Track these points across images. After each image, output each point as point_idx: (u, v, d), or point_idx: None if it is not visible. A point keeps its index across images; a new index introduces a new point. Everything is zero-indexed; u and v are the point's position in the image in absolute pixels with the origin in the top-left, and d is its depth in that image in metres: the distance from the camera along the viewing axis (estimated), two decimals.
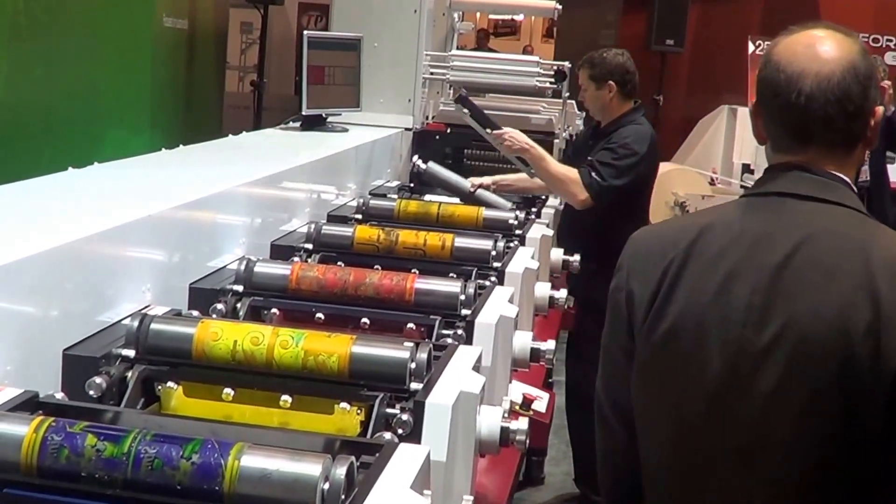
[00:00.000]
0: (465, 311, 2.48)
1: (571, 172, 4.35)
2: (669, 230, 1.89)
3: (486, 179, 4.48)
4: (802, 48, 1.75)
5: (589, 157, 4.38)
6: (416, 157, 4.90)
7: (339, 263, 2.92)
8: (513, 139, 4.32)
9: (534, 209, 4.44)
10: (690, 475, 1.76)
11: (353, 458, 1.48)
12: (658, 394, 1.80)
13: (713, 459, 1.71)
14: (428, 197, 4.51)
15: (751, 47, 10.24)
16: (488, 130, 4.38)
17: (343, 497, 1.43)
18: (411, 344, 1.98)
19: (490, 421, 2.06)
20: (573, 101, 5.74)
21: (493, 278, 2.92)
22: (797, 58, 1.74)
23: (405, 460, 1.58)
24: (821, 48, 1.74)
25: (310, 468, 1.43)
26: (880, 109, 1.76)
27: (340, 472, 1.43)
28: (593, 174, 4.26)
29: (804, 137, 1.75)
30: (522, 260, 3.13)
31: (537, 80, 5.31)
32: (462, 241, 3.14)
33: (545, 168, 4.32)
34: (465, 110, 4.39)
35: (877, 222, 1.77)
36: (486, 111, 4.53)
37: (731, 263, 1.72)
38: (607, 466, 2.00)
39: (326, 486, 1.42)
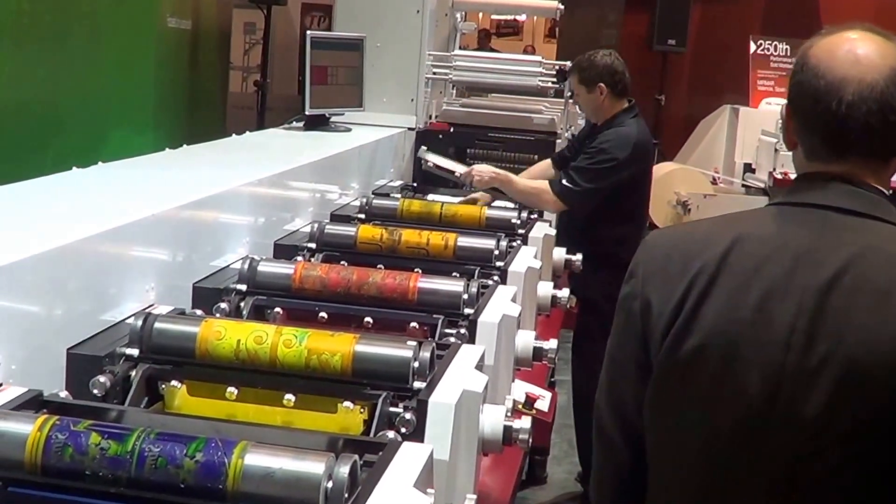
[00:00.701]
0: (467, 311, 2.48)
1: (540, 184, 4.47)
2: (692, 237, 1.75)
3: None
4: (843, 53, 1.65)
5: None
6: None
7: (342, 263, 2.93)
8: (480, 174, 4.46)
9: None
10: (717, 503, 1.66)
11: (356, 457, 1.48)
12: (680, 416, 1.68)
13: (746, 488, 1.61)
14: (431, 196, 4.52)
15: (752, 47, 10.25)
16: (457, 174, 4.55)
17: (346, 495, 1.43)
18: (414, 343, 1.98)
19: (493, 420, 2.06)
20: None
21: (495, 277, 2.93)
22: (837, 63, 1.64)
23: (408, 459, 1.58)
24: (861, 53, 1.64)
25: (313, 467, 1.43)
26: None
27: (344, 470, 1.44)
28: (564, 181, 4.34)
29: (843, 147, 1.65)
30: (525, 259, 3.13)
31: (539, 80, 5.33)
32: (465, 241, 3.14)
33: (514, 189, 4.42)
34: (430, 164, 4.63)
35: None
36: (446, 158, 4.76)
37: (770, 280, 1.60)
38: (606, 485, 1.88)
39: (330, 484, 1.42)
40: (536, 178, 4.66)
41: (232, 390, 1.96)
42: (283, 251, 3.08)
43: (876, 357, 1.51)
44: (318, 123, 4.67)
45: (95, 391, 1.91)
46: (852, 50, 1.65)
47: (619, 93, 4.51)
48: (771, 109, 9.10)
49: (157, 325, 2.04)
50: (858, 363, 1.52)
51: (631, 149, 4.38)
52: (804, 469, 1.57)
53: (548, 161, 4.93)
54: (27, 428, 1.51)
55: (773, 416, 1.58)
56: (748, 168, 9.13)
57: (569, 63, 5.20)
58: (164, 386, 1.99)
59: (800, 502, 1.58)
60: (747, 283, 1.62)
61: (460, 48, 6.08)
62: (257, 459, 1.45)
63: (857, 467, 1.55)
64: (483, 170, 4.48)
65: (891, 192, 1.70)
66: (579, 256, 3.89)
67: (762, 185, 8.61)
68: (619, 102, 4.52)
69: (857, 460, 1.54)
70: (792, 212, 1.69)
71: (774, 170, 8.97)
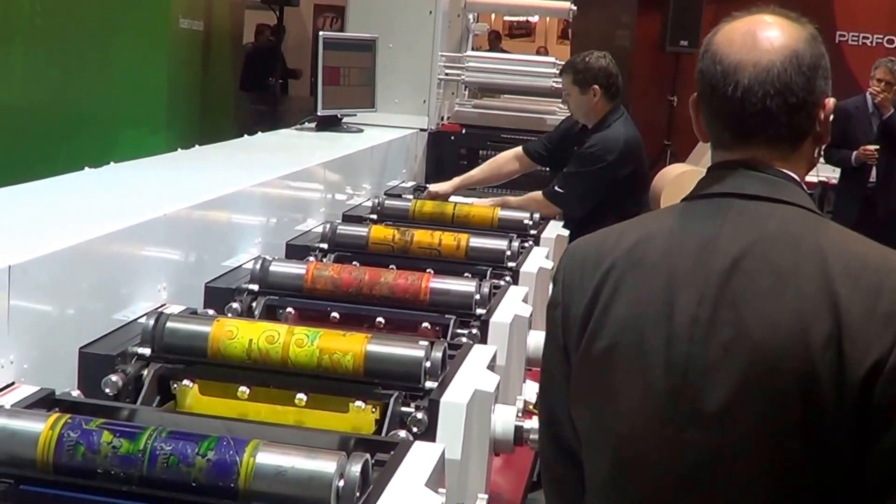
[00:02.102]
0: (479, 311, 2.48)
1: (532, 195, 4.45)
2: (605, 238, 1.70)
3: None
4: (741, 36, 1.60)
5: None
6: None
7: (354, 263, 2.92)
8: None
9: None
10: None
11: (367, 456, 1.48)
12: (598, 418, 1.63)
13: (664, 488, 1.56)
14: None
15: None
16: None
17: (358, 494, 1.43)
18: (426, 343, 1.98)
19: (504, 419, 2.06)
20: None
21: (507, 278, 2.93)
22: (734, 48, 1.59)
23: (420, 458, 1.58)
24: (761, 36, 1.59)
25: (325, 465, 1.43)
26: (830, 101, 1.61)
27: (355, 469, 1.44)
28: (556, 186, 4.33)
29: (745, 133, 1.62)
30: (537, 260, 3.13)
31: (552, 81, 5.31)
32: (477, 241, 3.14)
33: (512, 207, 4.34)
34: None
35: (831, 222, 1.61)
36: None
37: (674, 273, 1.56)
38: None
39: (341, 483, 1.42)
40: (501, 167, 4.71)
41: (244, 390, 1.96)
42: (295, 251, 3.08)
43: (778, 341, 1.47)
44: (330, 124, 4.67)
45: (107, 390, 1.91)
46: (751, 32, 1.60)
47: (612, 95, 4.48)
48: None
49: (169, 324, 2.05)
50: (761, 349, 1.48)
51: (620, 150, 4.34)
52: (712, 463, 1.52)
53: (512, 152, 4.84)
54: (39, 426, 1.51)
55: (682, 413, 1.53)
56: None
57: None
58: (175, 385, 2.00)
59: (709, 498, 1.53)
60: (653, 278, 1.58)
61: (473, 49, 6.07)
62: (269, 458, 1.45)
63: (767, 459, 1.49)
64: (481, 202, 4.53)
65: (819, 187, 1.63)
66: None
67: None
68: (609, 105, 4.49)
69: (767, 451, 1.49)
70: (699, 204, 1.65)
71: None
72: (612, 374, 1.59)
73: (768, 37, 1.59)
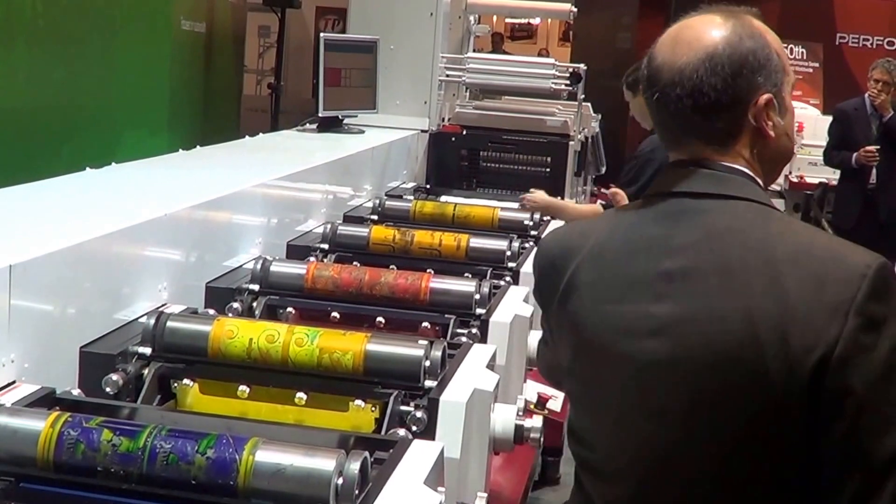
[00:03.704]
0: (479, 311, 2.49)
1: (593, 207, 4.48)
2: (571, 235, 1.75)
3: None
4: (669, 39, 1.63)
5: None
6: None
7: (354, 263, 2.93)
8: (532, 202, 4.42)
9: None
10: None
11: (366, 454, 1.49)
12: (572, 418, 1.69)
13: (624, 485, 1.58)
14: (444, 198, 4.52)
15: None
16: None
17: (357, 492, 1.43)
18: (426, 342, 1.99)
19: (504, 418, 2.07)
20: (589, 104, 5.74)
21: (507, 278, 2.93)
22: (662, 50, 1.62)
23: (419, 456, 1.59)
24: (683, 36, 1.61)
25: (324, 463, 1.44)
26: (764, 97, 1.58)
27: (354, 467, 1.44)
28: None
29: (675, 134, 1.65)
30: None
31: (553, 83, 5.31)
32: (477, 242, 3.15)
33: (568, 216, 4.30)
34: None
35: (781, 213, 1.62)
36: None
37: (628, 271, 1.59)
38: None
39: (340, 480, 1.43)
40: None
41: (244, 389, 1.97)
42: (296, 252, 3.09)
43: (728, 337, 1.48)
44: (331, 125, 4.68)
45: (108, 389, 1.92)
46: (676, 34, 1.63)
47: None
48: None
49: (170, 323, 2.05)
50: (713, 346, 1.49)
51: (655, 144, 4.32)
52: (668, 458, 1.53)
53: None
54: (39, 425, 1.52)
55: (635, 411, 1.55)
56: None
57: (583, 66, 5.21)
58: (176, 384, 2.00)
59: (665, 492, 1.55)
60: (612, 275, 1.61)
61: (474, 51, 6.07)
62: (268, 456, 1.46)
63: (721, 453, 1.50)
64: (537, 198, 4.47)
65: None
66: None
67: (777, 188, 8.59)
68: None
69: (721, 446, 1.50)
70: (653, 202, 1.66)
71: (791, 173, 8.95)
72: (579, 375, 1.64)
73: (688, 38, 1.60)
